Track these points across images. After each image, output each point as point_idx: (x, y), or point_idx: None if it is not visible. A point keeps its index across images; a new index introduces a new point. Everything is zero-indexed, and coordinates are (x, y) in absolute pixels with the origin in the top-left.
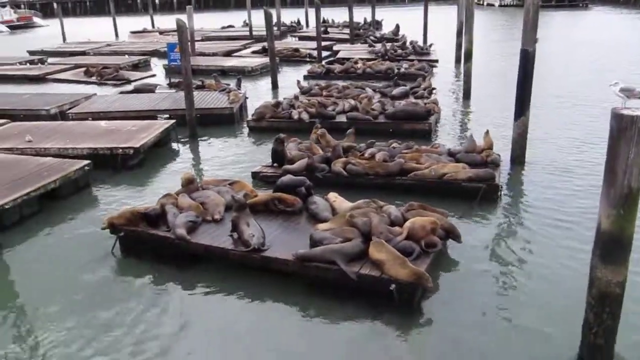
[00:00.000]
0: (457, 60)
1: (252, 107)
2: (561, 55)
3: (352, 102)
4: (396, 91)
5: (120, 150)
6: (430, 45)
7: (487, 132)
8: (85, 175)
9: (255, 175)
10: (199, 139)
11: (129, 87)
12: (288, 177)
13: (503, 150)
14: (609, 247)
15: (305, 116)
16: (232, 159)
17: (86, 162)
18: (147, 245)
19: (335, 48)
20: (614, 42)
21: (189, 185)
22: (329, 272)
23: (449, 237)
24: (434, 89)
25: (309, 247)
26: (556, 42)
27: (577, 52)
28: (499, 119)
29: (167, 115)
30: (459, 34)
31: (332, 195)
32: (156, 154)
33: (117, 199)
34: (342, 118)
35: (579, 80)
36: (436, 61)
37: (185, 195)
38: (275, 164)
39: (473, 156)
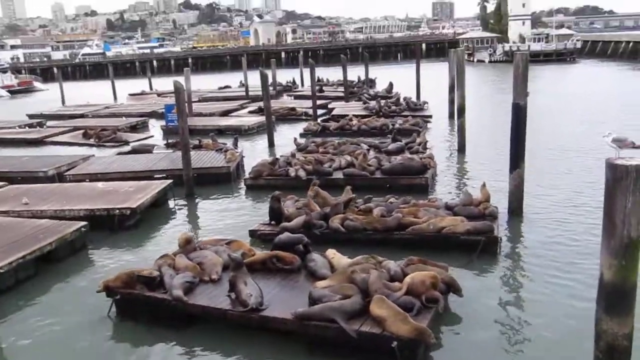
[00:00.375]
0: (451, 115)
1: (249, 166)
2: (552, 107)
3: (349, 158)
4: (392, 146)
5: (117, 210)
6: (425, 103)
7: (483, 185)
8: (81, 236)
9: (252, 234)
10: (196, 198)
11: (127, 148)
12: (286, 235)
13: (500, 202)
14: (613, 299)
15: (302, 173)
16: (229, 217)
17: (83, 223)
18: (144, 308)
19: (330, 106)
20: (603, 94)
21: (186, 245)
22: (329, 330)
23: (450, 291)
24: (428, 144)
25: (308, 305)
26: (547, 95)
27: (568, 104)
28: (494, 171)
29: (165, 175)
30: (451, 89)
31: (331, 252)
32: (153, 214)
33: (114, 260)
34: (339, 174)
35: (571, 131)
36: (430, 116)
37: (182, 255)
38: (272, 222)
39: (470, 209)
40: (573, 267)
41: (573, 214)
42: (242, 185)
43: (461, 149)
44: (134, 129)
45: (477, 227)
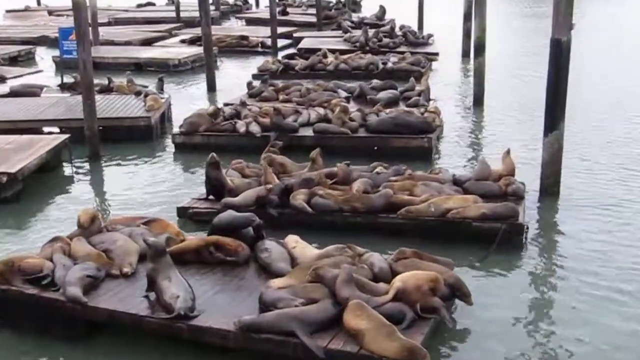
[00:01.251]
0: (465, 54)
1: (179, 117)
2: (602, 49)
3: (321, 110)
4: (382, 95)
5: None
6: (429, 36)
7: (507, 152)
8: None
9: (182, 212)
10: (103, 160)
11: (4, 89)
12: (229, 214)
13: (529, 177)
14: None
15: (255, 129)
16: (149, 188)
17: None
18: (27, 311)
19: (296, 35)
20: None
21: (89, 225)
22: (287, 346)
23: (455, 296)
24: (432, 92)
25: (258, 312)
26: (595, 32)
27: (624, 45)
28: (522, 133)
29: (58, 129)
30: (467, 17)
31: (292, 240)
32: (42, 182)
33: None
34: (307, 131)
35: (626, 83)
36: (436, 54)
37: (82, 239)
38: (211, 197)
39: (487, 185)
40: (624, 274)
41: (628, 199)
42: (169, 143)
43: (478, 102)
44: (14, 61)
45: (495, 210)
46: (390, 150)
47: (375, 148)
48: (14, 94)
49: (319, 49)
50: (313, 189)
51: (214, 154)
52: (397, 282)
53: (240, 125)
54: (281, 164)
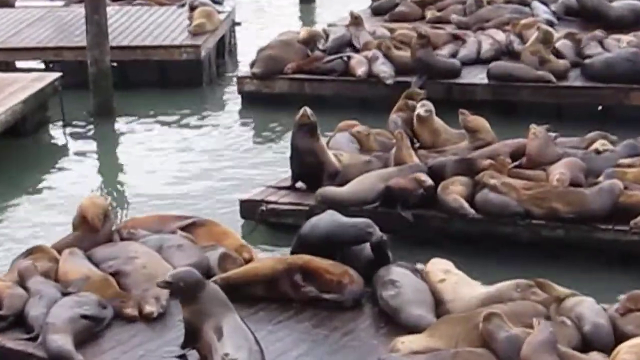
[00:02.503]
0: None
1: (248, 48)
2: None
3: (500, 36)
4: (617, 5)
5: None
6: None
7: None
8: None
9: (249, 210)
10: (117, 121)
11: None
12: (330, 219)
13: None
14: None
15: (383, 69)
16: (194, 169)
17: None
18: None
19: None
20: None
21: (93, 225)
22: None
23: None
24: None
25: None
26: None
27: None
28: None
29: (42, 63)
30: None
31: (439, 268)
32: (12, 153)
33: None
34: (477, 75)
35: None
36: None
37: (77, 253)
38: (300, 184)
39: None
40: None
41: None
42: (232, 92)
43: None
44: None
45: None
46: (625, 112)
47: (600, 108)
48: None
49: None
50: (480, 175)
51: (308, 110)
52: (625, 354)
53: (358, 63)
54: (431, 131)
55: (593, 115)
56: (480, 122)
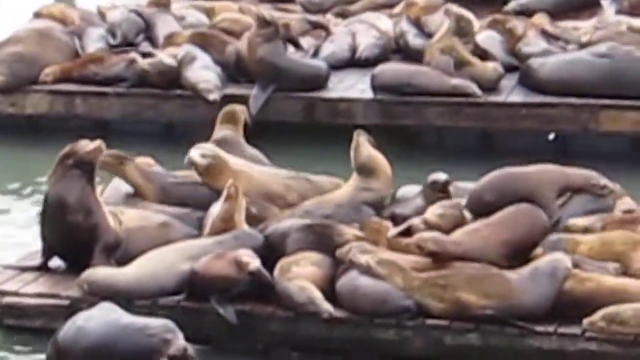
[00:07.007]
0: None
1: None
2: None
3: (386, 23)
4: None
5: None
6: None
7: None
8: None
9: None
10: None
11: None
12: (105, 318)
13: None
14: None
15: (205, 76)
16: None
17: None
18: None
19: None
20: None
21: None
22: None
23: None
24: None
25: None
26: None
27: None
28: None
29: None
30: None
31: None
32: None
33: None
34: (353, 87)
35: None
36: None
37: None
38: (54, 259)
39: None
40: None
41: None
42: None
43: None
44: None
45: None
46: (591, 143)
47: (552, 137)
48: None
49: None
50: (343, 249)
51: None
52: None
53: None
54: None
55: (540, 148)
56: (378, 160)
